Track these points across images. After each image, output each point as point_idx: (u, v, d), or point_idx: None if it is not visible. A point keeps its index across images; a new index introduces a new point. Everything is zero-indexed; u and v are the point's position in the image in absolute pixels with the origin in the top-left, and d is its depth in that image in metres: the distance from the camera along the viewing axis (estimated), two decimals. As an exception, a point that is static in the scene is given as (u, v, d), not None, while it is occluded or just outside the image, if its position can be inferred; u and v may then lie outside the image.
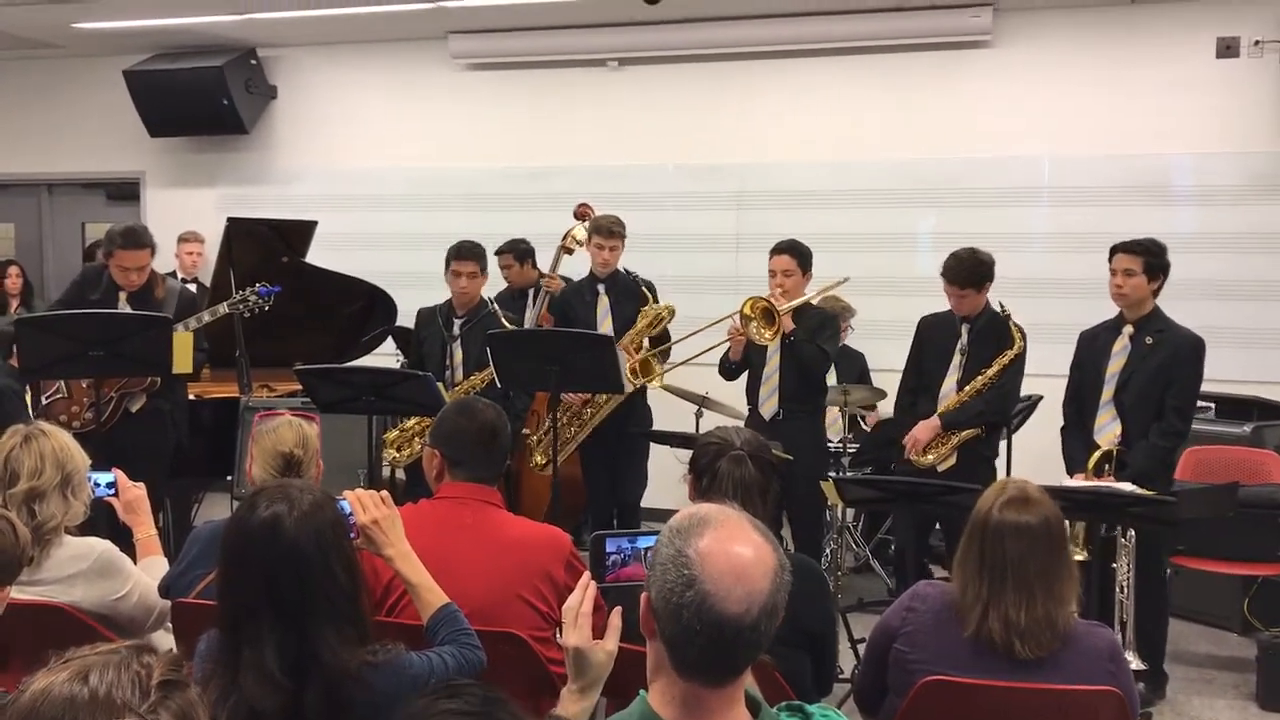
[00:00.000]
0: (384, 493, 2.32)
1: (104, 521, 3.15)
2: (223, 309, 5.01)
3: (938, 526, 4.99)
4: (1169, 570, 4.53)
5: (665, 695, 1.50)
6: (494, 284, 5.76)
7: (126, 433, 4.70)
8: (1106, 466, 4.18)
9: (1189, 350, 4.20)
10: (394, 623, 2.39)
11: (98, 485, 2.97)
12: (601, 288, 5.27)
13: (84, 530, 2.85)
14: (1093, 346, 4.40)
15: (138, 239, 4.75)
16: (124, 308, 4.75)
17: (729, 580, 1.43)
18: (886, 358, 5.69)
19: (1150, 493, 3.84)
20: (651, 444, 5.30)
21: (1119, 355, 4.28)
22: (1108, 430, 4.25)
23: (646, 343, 5.24)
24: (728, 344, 4.96)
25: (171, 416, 5.01)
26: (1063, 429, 4.45)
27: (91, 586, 2.71)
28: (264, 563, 1.92)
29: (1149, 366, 4.20)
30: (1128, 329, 4.28)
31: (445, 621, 2.23)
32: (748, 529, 1.50)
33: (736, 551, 1.46)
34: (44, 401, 4.70)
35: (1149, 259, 4.20)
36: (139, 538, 3.01)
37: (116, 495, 3.02)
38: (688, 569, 1.44)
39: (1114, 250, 4.29)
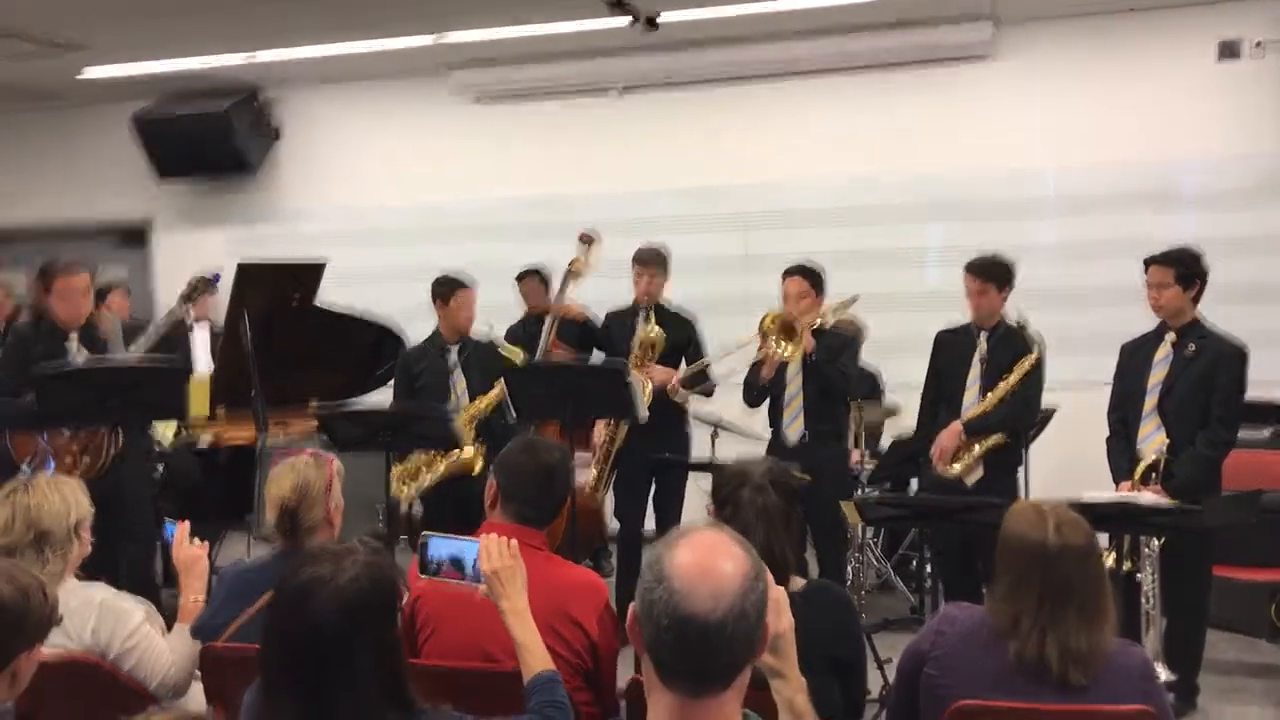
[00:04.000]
0: (514, 542, 2.31)
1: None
2: (177, 310, 5.01)
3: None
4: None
5: (656, 710, 1.53)
6: (499, 314, 5.79)
7: (117, 472, 4.61)
8: (1154, 475, 4.15)
9: (1231, 358, 4.18)
10: (418, 664, 2.37)
11: (171, 534, 3.01)
12: (642, 315, 5.30)
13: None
14: (1134, 357, 4.38)
15: (72, 264, 4.66)
16: (78, 350, 4.64)
17: (696, 578, 1.48)
18: (898, 373, 5.68)
19: (1174, 503, 3.82)
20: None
21: (1161, 364, 4.27)
22: (1152, 439, 4.23)
23: (683, 366, 5.26)
24: (744, 370, 4.96)
25: (141, 464, 4.95)
26: (1108, 439, 4.43)
27: (83, 631, 2.67)
28: (289, 630, 1.83)
29: (1191, 375, 4.19)
30: (1169, 337, 4.27)
31: (539, 689, 2.19)
32: (728, 543, 1.55)
33: (708, 556, 1.52)
34: (27, 469, 4.45)
35: (1180, 269, 4.19)
36: (181, 602, 2.94)
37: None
38: (661, 569, 1.51)
39: (1147, 263, 4.29)
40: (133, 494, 4.67)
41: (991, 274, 4.60)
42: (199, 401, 4.56)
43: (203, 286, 5.05)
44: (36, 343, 4.69)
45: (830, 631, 2.39)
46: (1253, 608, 5.05)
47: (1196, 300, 4.25)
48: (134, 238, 8.29)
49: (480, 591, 2.28)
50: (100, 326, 4.78)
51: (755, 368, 4.98)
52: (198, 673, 2.78)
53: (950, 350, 4.76)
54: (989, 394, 4.59)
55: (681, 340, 5.30)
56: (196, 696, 2.78)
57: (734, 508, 2.48)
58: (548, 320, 5.70)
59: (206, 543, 3.08)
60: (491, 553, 2.27)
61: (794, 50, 6.66)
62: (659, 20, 5.57)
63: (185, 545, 3.00)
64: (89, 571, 2.88)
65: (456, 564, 2.33)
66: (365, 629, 1.82)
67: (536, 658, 2.23)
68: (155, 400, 4.39)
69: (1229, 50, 6.14)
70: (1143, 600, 4.00)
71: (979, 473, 4.61)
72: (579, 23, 6.20)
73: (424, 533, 2.43)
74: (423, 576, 2.37)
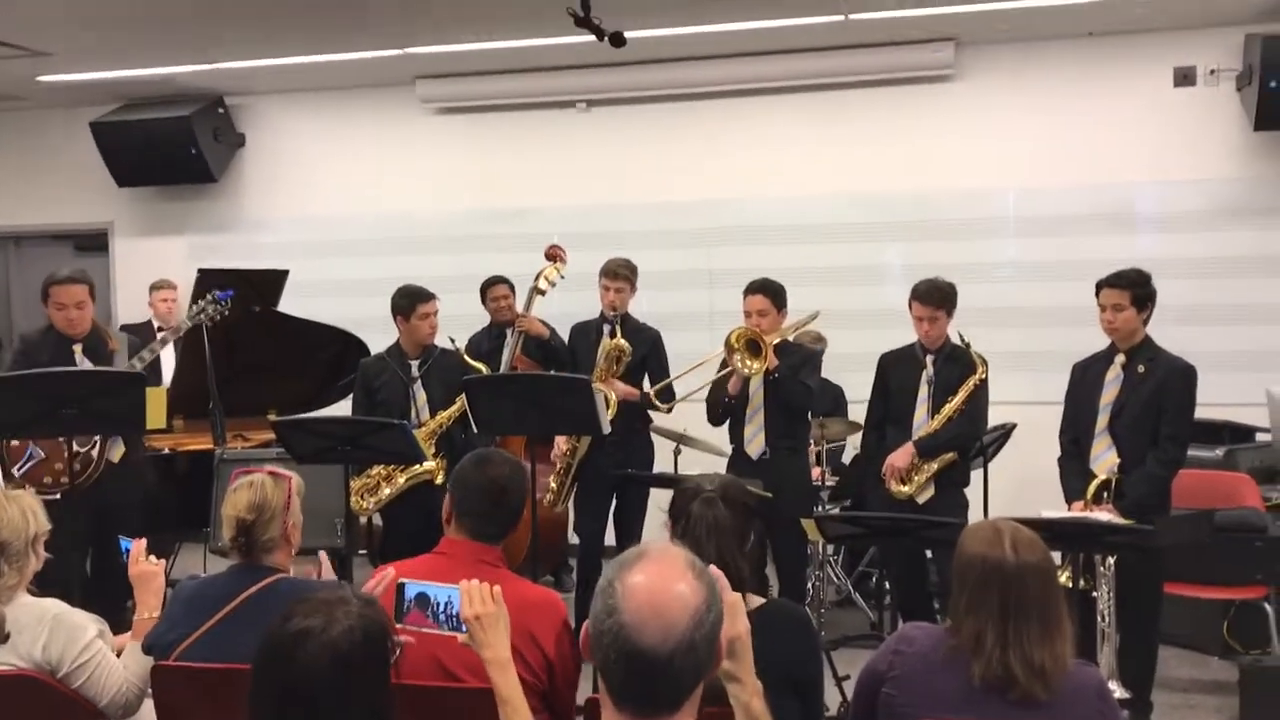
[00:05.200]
0: (496, 588, 2.23)
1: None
2: (186, 323, 4.98)
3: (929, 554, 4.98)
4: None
5: None
6: (463, 325, 5.76)
7: (105, 486, 4.64)
8: (1105, 495, 4.20)
9: (1180, 378, 4.23)
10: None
11: (127, 551, 2.97)
12: (608, 328, 5.29)
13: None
14: (1085, 377, 4.43)
15: (71, 276, 4.72)
16: (82, 361, 4.68)
17: (646, 613, 1.50)
18: (857, 389, 5.72)
19: (1128, 521, 3.87)
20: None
21: (1112, 384, 4.31)
22: (1104, 459, 4.28)
23: (646, 381, 5.27)
24: (707, 386, 4.97)
25: (141, 467, 4.96)
26: (1060, 459, 4.48)
27: (34, 648, 2.63)
28: (278, 680, 1.77)
29: (1142, 394, 4.24)
30: (1119, 358, 4.32)
31: None
32: (681, 568, 1.56)
33: (659, 587, 1.52)
34: (15, 474, 4.56)
35: (1136, 290, 4.24)
36: (135, 617, 2.90)
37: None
38: (612, 599, 1.52)
39: (1100, 285, 4.33)
40: (126, 503, 4.67)
41: (943, 301, 4.66)
42: (156, 413, 4.49)
43: (214, 306, 4.98)
44: (43, 351, 4.71)
45: (789, 651, 2.40)
46: (1206, 625, 5.13)
47: (1146, 321, 4.32)
48: (93, 244, 8.18)
49: (460, 640, 2.22)
50: (109, 342, 4.79)
51: (718, 384, 5.00)
52: (149, 690, 2.74)
53: (897, 372, 4.83)
54: (937, 414, 4.65)
55: (644, 353, 5.31)
56: (147, 715, 2.74)
57: (686, 521, 2.50)
58: (511, 335, 5.69)
59: (164, 560, 3.04)
60: (473, 598, 2.20)
61: (759, 68, 6.71)
62: (626, 37, 5.58)
63: (141, 561, 2.96)
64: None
65: (434, 610, 2.24)
66: (358, 682, 1.78)
67: (520, 715, 2.16)
68: (112, 411, 4.32)
69: (1184, 77, 6.26)
70: (1098, 618, 4.04)
71: (930, 492, 4.66)
72: (545, 39, 6.20)
73: (400, 579, 2.35)
74: (398, 624, 2.23)
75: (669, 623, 1.50)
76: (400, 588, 2.30)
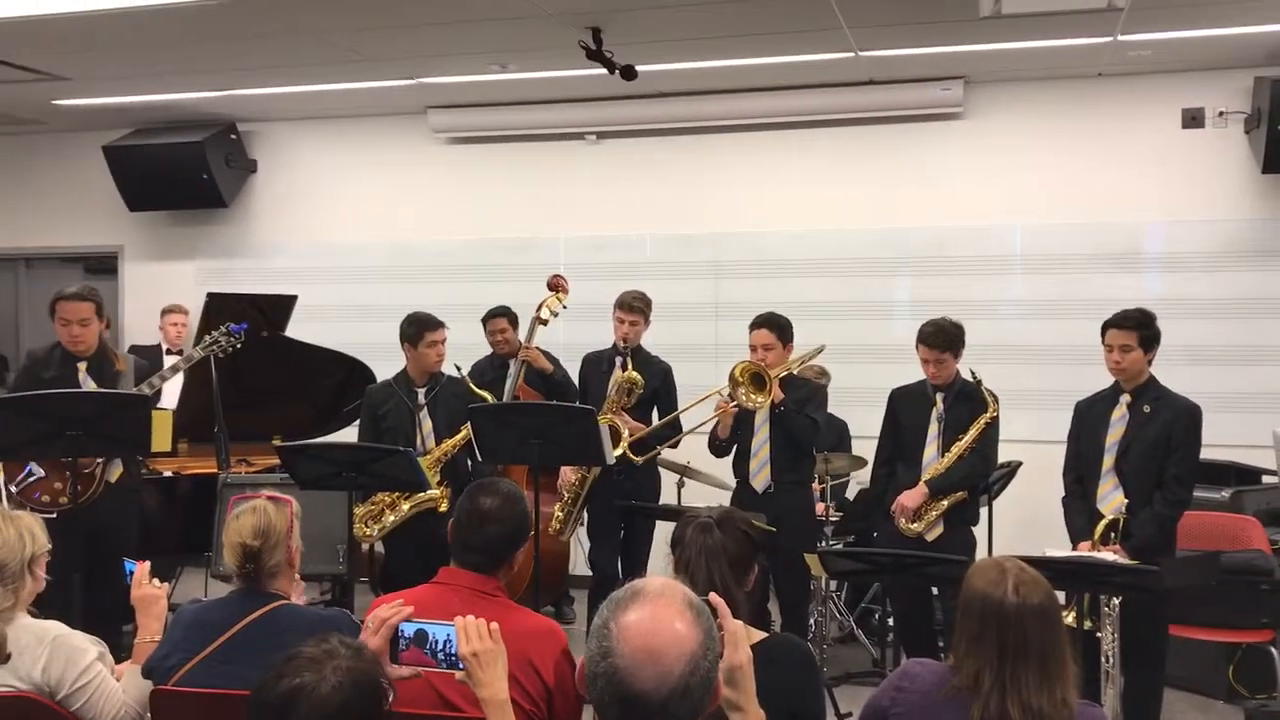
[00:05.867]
0: (494, 625, 2.18)
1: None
2: (197, 353, 4.98)
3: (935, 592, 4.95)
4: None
5: None
6: (469, 353, 5.77)
7: (102, 506, 4.64)
8: (1112, 535, 4.17)
9: (1186, 418, 4.22)
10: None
11: (130, 573, 2.97)
12: (619, 360, 5.30)
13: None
14: (1090, 416, 4.42)
15: (78, 292, 4.71)
16: (85, 380, 4.68)
17: (641, 658, 1.47)
18: (863, 425, 5.71)
19: (1133, 562, 3.85)
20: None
21: (1118, 424, 4.30)
22: (1111, 498, 4.25)
23: (655, 415, 5.29)
24: (715, 420, 4.97)
25: (136, 489, 4.95)
26: (1064, 499, 4.46)
27: (34, 669, 2.62)
28: None
29: (1148, 435, 4.22)
30: (1125, 398, 4.31)
31: None
32: (678, 608, 1.53)
33: (655, 630, 1.49)
34: (13, 490, 4.56)
35: (1143, 332, 4.24)
36: (136, 640, 2.89)
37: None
38: (606, 641, 1.50)
39: (1106, 326, 4.32)
40: (120, 525, 4.67)
41: (950, 345, 4.65)
42: (161, 436, 4.49)
43: (227, 339, 4.99)
44: (48, 367, 4.70)
45: (790, 685, 2.38)
46: (1210, 668, 5.08)
47: (1151, 361, 4.31)
48: (103, 266, 8.22)
49: (458, 677, 2.18)
50: (115, 362, 4.78)
51: (715, 426, 4.99)
52: (148, 715, 2.72)
53: (907, 408, 4.82)
54: (947, 453, 4.64)
55: (655, 386, 5.31)
56: (146, 739, 2.73)
57: (681, 548, 2.49)
58: (514, 365, 5.69)
59: (167, 584, 3.03)
60: (470, 634, 2.15)
61: (768, 103, 6.75)
62: (637, 70, 5.63)
63: (145, 584, 2.96)
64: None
65: (432, 647, 2.19)
66: None
67: None
68: (117, 433, 4.34)
69: (1193, 119, 6.29)
70: (1102, 659, 4.01)
71: (939, 529, 4.65)
72: (558, 72, 6.25)
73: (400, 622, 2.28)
74: (393, 665, 2.18)
75: (664, 668, 1.47)
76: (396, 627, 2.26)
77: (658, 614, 1.52)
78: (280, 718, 1.74)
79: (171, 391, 5.75)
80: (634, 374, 5.20)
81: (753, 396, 4.77)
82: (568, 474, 5.34)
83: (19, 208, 8.28)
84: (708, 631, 1.54)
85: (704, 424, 5.16)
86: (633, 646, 1.48)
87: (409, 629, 2.18)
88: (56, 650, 2.65)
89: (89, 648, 2.72)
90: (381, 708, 1.84)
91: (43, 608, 2.87)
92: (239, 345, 5.05)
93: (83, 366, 4.70)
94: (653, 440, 5.22)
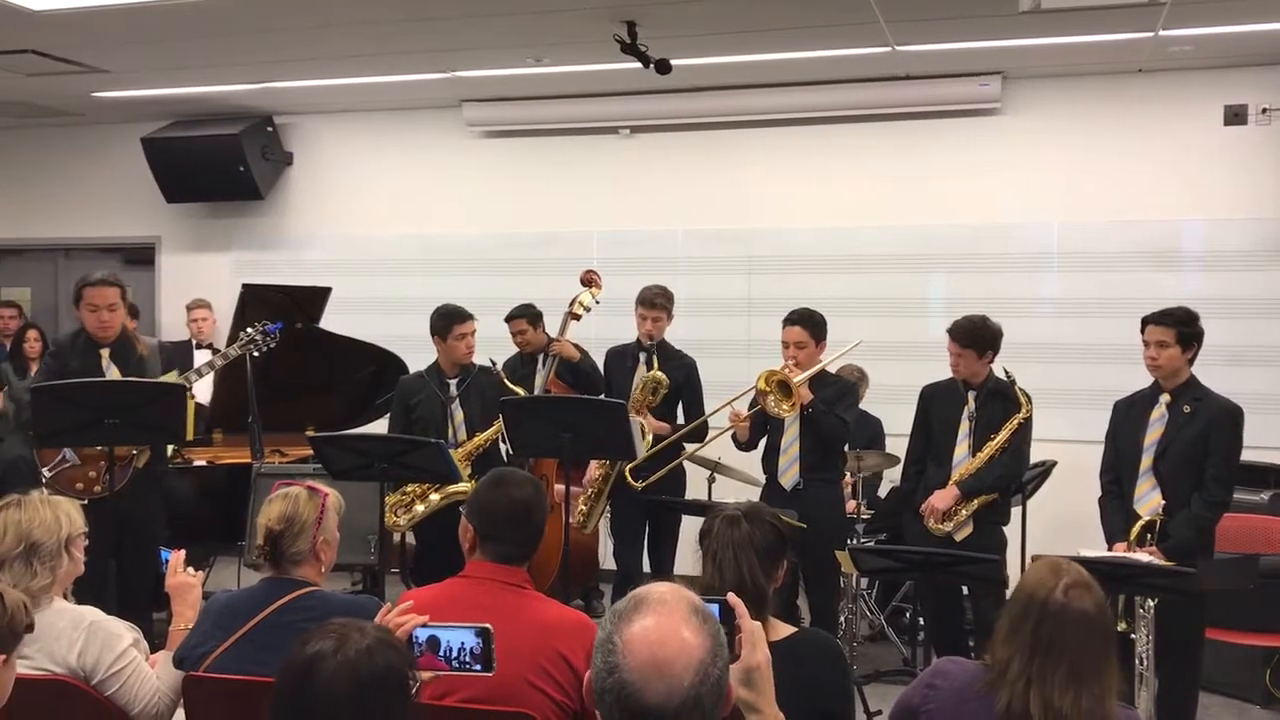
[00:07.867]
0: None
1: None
2: (233, 351, 5.01)
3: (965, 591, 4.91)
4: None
5: None
6: (502, 348, 5.78)
7: (129, 493, 4.65)
8: (1149, 536, 4.12)
9: (1227, 419, 4.16)
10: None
11: (166, 561, 3.00)
12: (644, 357, 5.29)
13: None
14: (1129, 415, 4.36)
15: (104, 278, 4.73)
16: (109, 367, 4.69)
17: (649, 672, 1.43)
18: (897, 423, 5.67)
19: (1170, 564, 3.80)
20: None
21: (1156, 424, 4.24)
22: (1149, 499, 4.19)
23: (680, 410, 5.25)
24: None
25: (161, 477, 4.98)
26: (1100, 499, 4.41)
27: (69, 653, 2.65)
28: (293, 708, 1.72)
29: (1187, 435, 4.16)
30: (1164, 397, 4.25)
31: None
32: (683, 615, 1.49)
33: (661, 641, 1.45)
34: (47, 474, 4.59)
35: (1181, 329, 4.17)
36: (171, 628, 2.92)
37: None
38: (612, 655, 1.45)
39: (1145, 321, 4.27)
40: (145, 513, 4.70)
41: (969, 341, 4.60)
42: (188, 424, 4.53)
43: (263, 337, 5.02)
44: (73, 357, 4.72)
45: (819, 682, 2.37)
46: (1247, 672, 5.02)
47: (1192, 361, 4.25)
48: (140, 257, 8.31)
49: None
50: (137, 347, 4.80)
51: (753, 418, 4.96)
52: (181, 701, 2.75)
53: (938, 406, 4.77)
54: (979, 452, 4.59)
55: (679, 382, 5.29)
56: (179, 725, 2.75)
57: (710, 540, 2.48)
58: (544, 359, 5.69)
59: (201, 572, 3.06)
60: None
61: (804, 98, 6.71)
62: (672, 64, 5.62)
63: (180, 572, 2.98)
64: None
65: (446, 653, 2.15)
66: (378, 704, 1.73)
67: None
68: (155, 421, 4.39)
69: (1235, 115, 6.19)
70: (1136, 661, 3.97)
71: (969, 529, 4.60)
72: (592, 65, 6.25)
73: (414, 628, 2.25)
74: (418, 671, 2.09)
75: (673, 680, 1.43)
76: (414, 638, 2.21)
77: (662, 624, 1.47)
78: (301, 685, 1.72)
79: (202, 386, 5.79)
80: (659, 374, 5.18)
81: (780, 405, 4.74)
82: (593, 468, 5.33)
83: (59, 198, 8.38)
84: (715, 637, 1.50)
85: (731, 426, 5.12)
86: (639, 660, 1.44)
87: (422, 634, 2.17)
88: (93, 635, 2.67)
89: (124, 634, 2.75)
90: (407, 693, 1.81)
91: (78, 593, 2.90)
92: (274, 344, 5.08)
93: (105, 354, 4.72)
94: (667, 454, 5.14)
